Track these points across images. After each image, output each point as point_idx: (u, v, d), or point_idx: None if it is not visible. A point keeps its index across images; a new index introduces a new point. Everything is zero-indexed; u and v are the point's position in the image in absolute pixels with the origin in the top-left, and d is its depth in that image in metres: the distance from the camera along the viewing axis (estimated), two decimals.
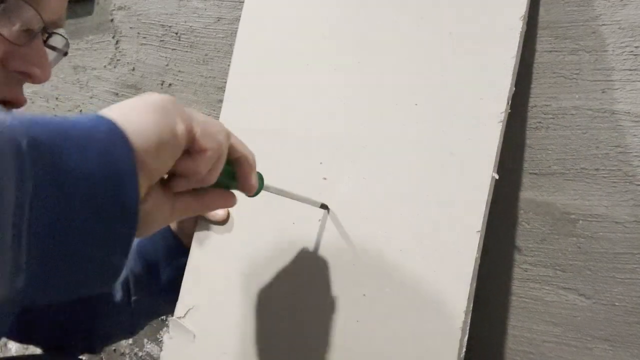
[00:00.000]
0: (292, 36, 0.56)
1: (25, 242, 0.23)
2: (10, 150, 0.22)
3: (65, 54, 0.44)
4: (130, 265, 0.57)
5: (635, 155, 0.44)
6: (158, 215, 0.33)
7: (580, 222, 0.47)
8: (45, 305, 0.55)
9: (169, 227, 0.58)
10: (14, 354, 1.04)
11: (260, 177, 0.40)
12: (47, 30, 0.40)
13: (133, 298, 0.58)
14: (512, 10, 0.44)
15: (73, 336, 0.58)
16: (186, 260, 0.59)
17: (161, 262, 0.58)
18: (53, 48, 0.43)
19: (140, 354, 0.86)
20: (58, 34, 0.42)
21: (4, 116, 0.23)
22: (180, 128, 0.30)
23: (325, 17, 0.54)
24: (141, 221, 0.28)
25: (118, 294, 0.58)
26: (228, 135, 0.34)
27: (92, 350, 0.61)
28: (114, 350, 0.90)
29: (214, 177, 0.34)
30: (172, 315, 0.58)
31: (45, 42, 0.41)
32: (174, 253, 0.57)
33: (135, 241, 0.59)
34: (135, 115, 0.28)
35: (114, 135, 0.27)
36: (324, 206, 0.49)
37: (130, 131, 0.27)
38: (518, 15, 0.44)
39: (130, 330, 0.62)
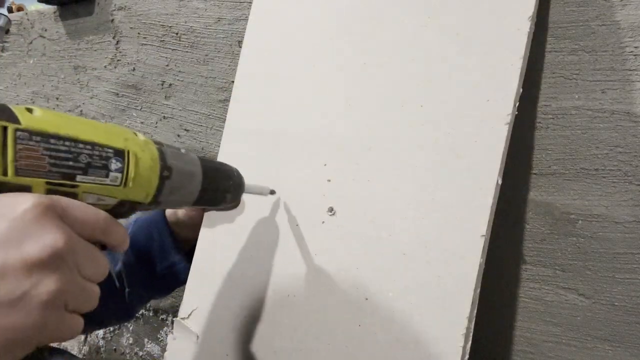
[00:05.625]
0: (298, 37, 0.56)
1: None
2: None
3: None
4: (122, 257, 0.57)
5: (635, 155, 0.44)
6: None
7: (580, 222, 0.47)
8: None
9: (164, 218, 0.58)
10: None
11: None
12: None
13: (127, 290, 0.58)
14: (520, 11, 0.43)
15: None
16: (180, 254, 0.58)
17: (155, 255, 0.57)
18: None
19: (140, 353, 0.86)
20: None
21: None
22: None
23: (332, 18, 0.53)
24: None
25: (114, 284, 0.58)
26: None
27: (90, 330, 0.64)
28: (115, 349, 0.90)
29: None
30: (176, 316, 0.58)
31: None
32: (168, 247, 0.57)
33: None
34: None
35: None
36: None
37: None
38: (526, 16, 0.43)
39: (127, 316, 0.64)
